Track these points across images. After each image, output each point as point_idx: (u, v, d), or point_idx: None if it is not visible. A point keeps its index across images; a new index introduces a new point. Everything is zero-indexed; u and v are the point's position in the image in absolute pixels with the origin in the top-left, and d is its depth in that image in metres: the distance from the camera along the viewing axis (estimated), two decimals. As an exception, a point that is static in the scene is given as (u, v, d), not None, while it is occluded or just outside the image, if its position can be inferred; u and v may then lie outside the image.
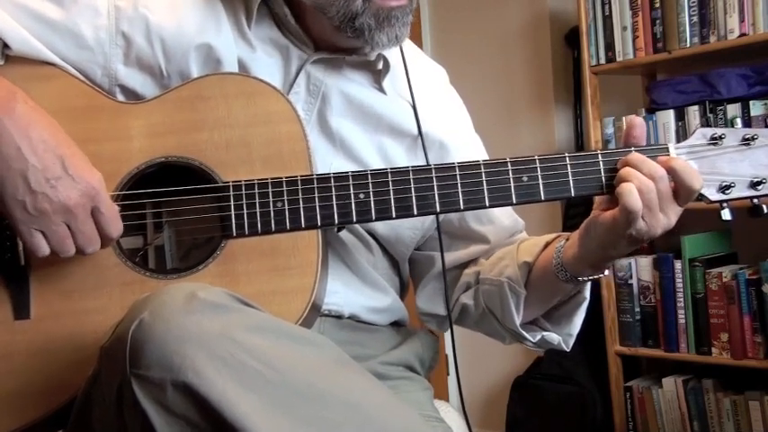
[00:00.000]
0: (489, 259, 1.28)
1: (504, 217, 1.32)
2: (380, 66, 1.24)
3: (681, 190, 1.05)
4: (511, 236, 1.32)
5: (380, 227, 1.23)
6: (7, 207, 0.99)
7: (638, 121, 1.11)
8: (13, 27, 1.10)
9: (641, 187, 1.03)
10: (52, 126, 1.03)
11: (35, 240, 1.00)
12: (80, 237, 1.02)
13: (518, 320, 1.22)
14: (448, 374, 3.36)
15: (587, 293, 1.21)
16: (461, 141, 1.33)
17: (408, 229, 1.27)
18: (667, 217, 1.06)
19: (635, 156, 1.06)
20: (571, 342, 1.27)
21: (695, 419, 2.57)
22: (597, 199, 1.11)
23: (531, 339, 1.25)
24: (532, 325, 1.26)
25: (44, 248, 1.01)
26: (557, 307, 1.23)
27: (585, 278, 1.15)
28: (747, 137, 1.08)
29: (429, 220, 1.27)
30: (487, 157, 1.36)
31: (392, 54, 1.24)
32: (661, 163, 1.05)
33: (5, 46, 1.10)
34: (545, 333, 1.25)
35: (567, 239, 1.16)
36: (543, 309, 1.23)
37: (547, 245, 1.21)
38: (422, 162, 1.24)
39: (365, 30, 1.14)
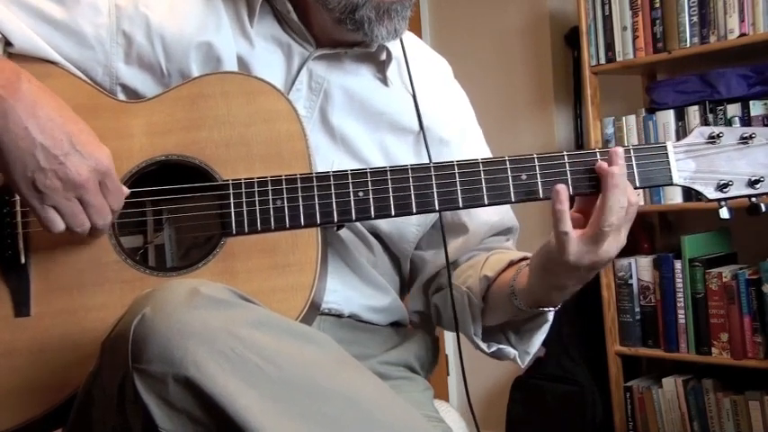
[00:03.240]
0: (461, 266, 1.28)
1: (493, 212, 1.31)
2: (383, 57, 1.25)
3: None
4: (493, 233, 1.32)
5: (384, 224, 1.23)
6: (18, 185, 0.99)
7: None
8: (16, 25, 1.10)
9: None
10: (59, 104, 1.03)
11: (49, 215, 1.00)
12: (92, 211, 1.02)
13: (474, 329, 1.23)
14: (448, 374, 3.36)
15: (550, 317, 1.20)
16: (463, 136, 1.33)
17: (413, 226, 1.27)
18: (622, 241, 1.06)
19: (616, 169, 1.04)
20: (527, 359, 1.27)
21: (695, 419, 2.57)
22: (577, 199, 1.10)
23: (486, 350, 1.25)
24: (496, 333, 1.26)
25: (59, 224, 1.01)
26: (522, 322, 1.23)
27: (535, 310, 1.15)
28: (745, 136, 1.09)
29: (431, 215, 1.27)
30: (489, 151, 1.36)
31: (394, 46, 1.25)
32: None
33: (8, 43, 1.11)
34: (502, 346, 1.25)
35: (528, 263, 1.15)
36: (501, 321, 1.23)
37: (511, 263, 1.21)
38: (424, 159, 1.24)
39: (365, 22, 1.14)
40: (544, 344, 3.04)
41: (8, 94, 0.99)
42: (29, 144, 0.98)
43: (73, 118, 1.03)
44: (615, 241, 1.04)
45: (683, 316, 2.54)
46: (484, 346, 1.24)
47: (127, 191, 1.06)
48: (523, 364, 1.27)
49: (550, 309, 1.15)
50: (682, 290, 2.54)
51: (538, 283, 1.10)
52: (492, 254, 1.26)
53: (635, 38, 2.60)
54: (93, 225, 1.03)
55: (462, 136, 1.33)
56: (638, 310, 2.65)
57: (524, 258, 1.19)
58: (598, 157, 1.08)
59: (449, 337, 3.25)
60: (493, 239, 1.32)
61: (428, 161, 1.23)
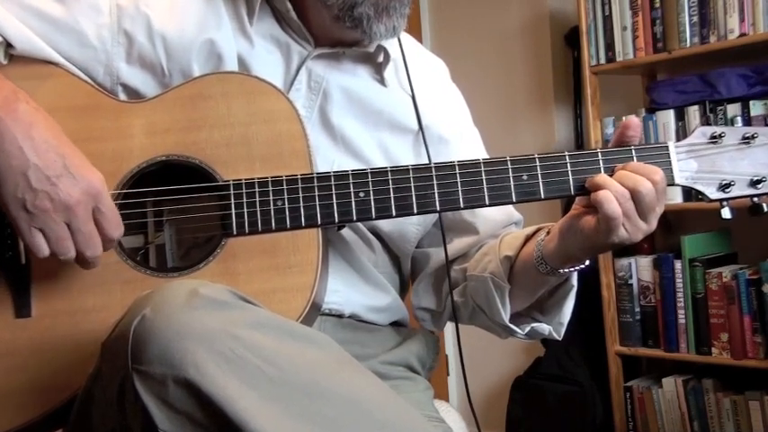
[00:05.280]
0: (475, 256, 1.28)
1: (497, 210, 1.31)
2: (381, 58, 1.25)
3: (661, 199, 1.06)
4: (502, 228, 1.31)
5: (385, 224, 1.23)
6: (8, 205, 0.99)
7: (634, 123, 1.10)
8: (17, 26, 1.10)
9: (617, 196, 1.03)
10: (54, 127, 1.03)
11: (35, 240, 1.00)
12: (80, 237, 1.01)
13: (505, 314, 1.22)
14: (448, 374, 3.36)
15: (574, 281, 1.20)
16: (461, 135, 1.33)
17: (413, 225, 1.27)
18: (648, 223, 1.06)
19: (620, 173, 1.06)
20: (562, 330, 1.27)
21: (695, 419, 2.57)
22: (578, 198, 1.11)
23: (521, 332, 1.24)
24: (523, 316, 1.26)
25: (44, 249, 1.00)
26: (546, 297, 1.23)
27: (565, 270, 1.15)
28: (747, 135, 1.09)
29: (431, 215, 1.27)
30: (485, 151, 1.36)
31: (392, 47, 1.25)
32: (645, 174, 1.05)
33: (9, 45, 1.11)
34: (534, 324, 1.25)
35: (548, 232, 1.15)
36: (530, 300, 1.23)
37: (528, 238, 1.20)
38: (424, 158, 1.24)
39: (363, 19, 1.15)
40: (544, 344, 3.05)
41: (5, 114, 0.99)
42: (22, 164, 0.98)
43: (67, 141, 1.03)
44: (635, 228, 1.05)
45: (683, 316, 2.54)
46: (518, 329, 1.24)
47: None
48: (560, 336, 1.27)
49: (580, 266, 1.14)
50: (682, 290, 2.54)
51: (571, 251, 1.10)
52: (504, 236, 1.26)
53: (635, 38, 2.60)
54: (80, 253, 1.01)
55: (461, 136, 1.33)
56: (638, 310, 2.65)
57: (538, 230, 1.19)
58: (600, 157, 1.08)
59: (449, 337, 3.25)
60: (501, 231, 1.31)
61: (428, 160, 1.23)
